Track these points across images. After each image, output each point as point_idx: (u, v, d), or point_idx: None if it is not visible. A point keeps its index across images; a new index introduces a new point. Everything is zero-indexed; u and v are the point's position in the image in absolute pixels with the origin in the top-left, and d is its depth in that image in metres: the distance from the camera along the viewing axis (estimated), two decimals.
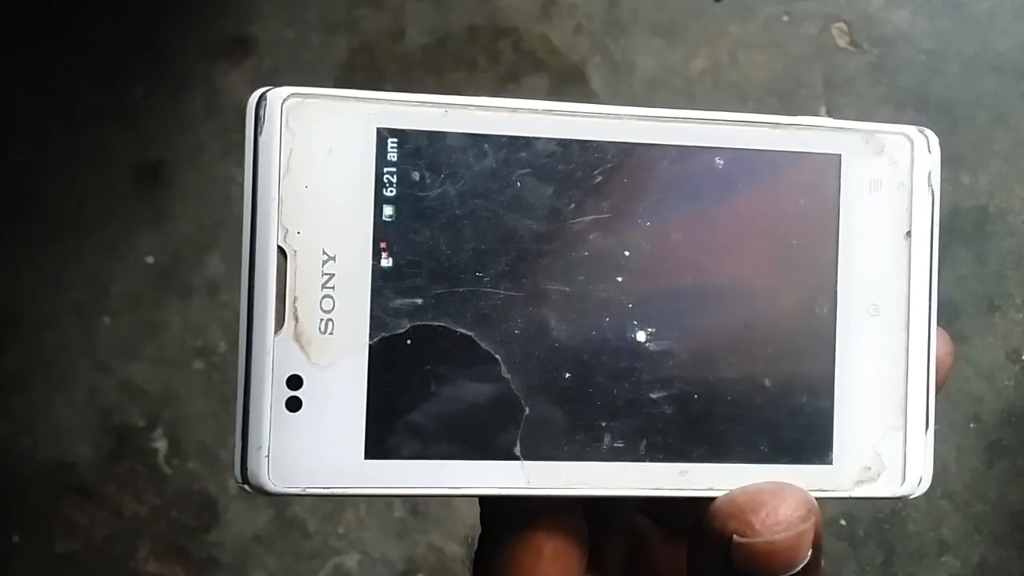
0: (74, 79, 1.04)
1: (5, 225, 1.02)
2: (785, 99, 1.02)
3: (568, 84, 1.04)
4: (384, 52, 1.05)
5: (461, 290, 0.30)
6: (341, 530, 0.99)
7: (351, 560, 0.99)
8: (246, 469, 0.30)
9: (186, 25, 1.05)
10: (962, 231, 0.99)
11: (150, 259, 1.01)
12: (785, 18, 1.04)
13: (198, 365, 1.00)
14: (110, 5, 1.05)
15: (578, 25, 1.05)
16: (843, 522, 0.98)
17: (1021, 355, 0.99)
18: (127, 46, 1.04)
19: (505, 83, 1.04)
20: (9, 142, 1.03)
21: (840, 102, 1.02)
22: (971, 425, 0.98)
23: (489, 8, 1.05)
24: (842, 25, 1.04)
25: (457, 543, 0.99)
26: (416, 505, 0.99)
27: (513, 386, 0.31)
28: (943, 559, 0.98)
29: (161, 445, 1.00)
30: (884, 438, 0.33)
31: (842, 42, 1.04)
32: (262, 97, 0.30)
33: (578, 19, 1.05)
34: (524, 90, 1.04)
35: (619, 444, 0.31)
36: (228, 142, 1.03)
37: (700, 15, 1.04)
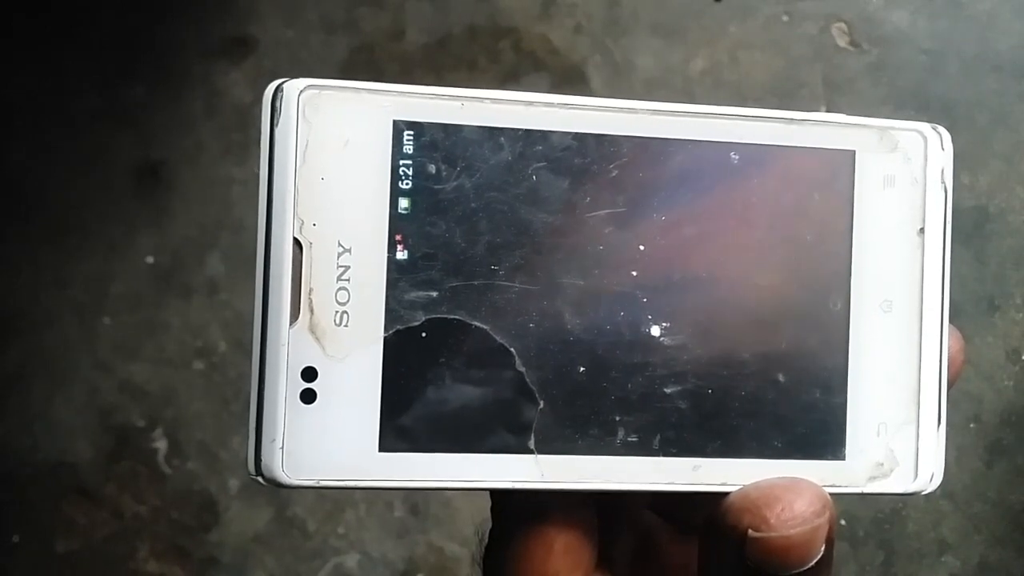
0: (74, 79, 1.04)
1: (5, 225, 1.02)
2: (785, 99, 1.03)
3: (568, 84, 1.04)
4: (384, 52, 1.05)
5: (476, 283, 0.30)
6: (341, 530, 0.99)
7: (351, 560, 0.99)
8: (260, 461, 0.29)
9: (186, 25, 1.05)
10: (962, 231, 0.99)
11: (150, 259, 1.01)
12: (785, 18, 1.04)
13: (198, 365, 1.00)
14: (111, 5, 1.05)
15: (578, 25, 1.05)
16: (843, 522, 0.98)
17: (1021, 355, 0.99)
18: (127, 46, 1.04)
19: (505, 83, 1.04)
20: (9, 142, 1.03)
21: (840, 102, 1.02)
22: (971, 425, 0.98)
23: (489, 8, 1.05)
24: (842, 25, 1.04)
25: (457, 543, 0.99)
26: (416, 505, 0.99)
27: (528, 379, 0.31)
28: (943, 559, 0.99)
29: (161, 445, 1.00)
30: (897, 434, 0.33)
31: (842, 42, 1.04)
32: (279, 88, 0.30)
33: (578, 19, 1.05)
34: (524, 90, 1.03)
35: (633, 438, 0.31)
36: (228, 142, 1.03)
37: (700, 15, 1.04)
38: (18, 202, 1.02)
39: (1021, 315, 1.00)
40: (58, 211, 1.02)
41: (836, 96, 1.03)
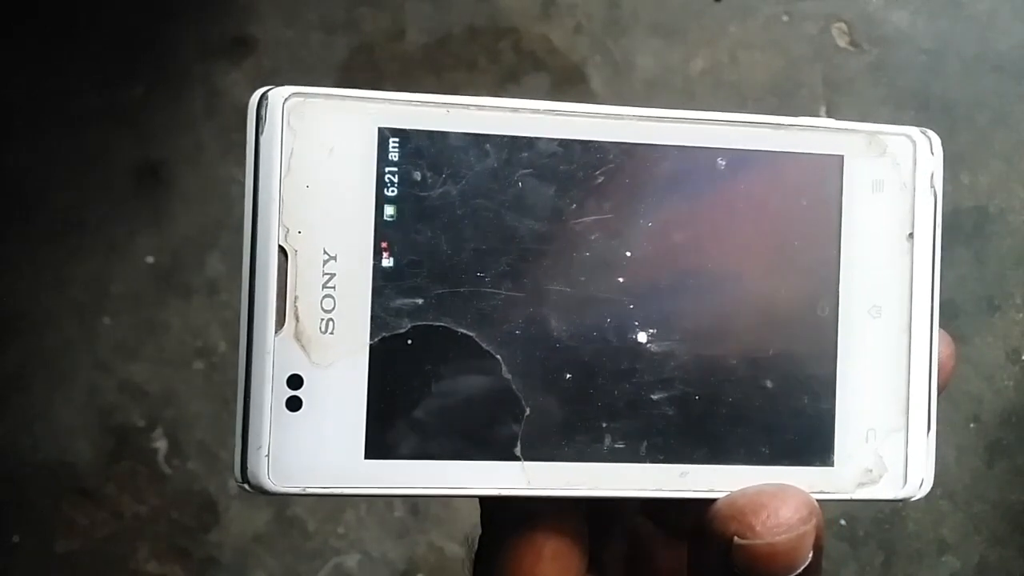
0: (74, 79, 1.04)
1: (5, 225, 1.02)
2: (785, 99, 1.02)
3: (568, 84, 1.04)
4: (384, 52, 1.05)
5: (462, 290, 0.30)
6: (341, 530, 0.99)
7: (351, 560, 0.99)
8: (246, 469, 0.29)
9: (186, 25, 1.05)
10: (962, 231, 0.99)
11: (150, 259, 1.01)
12: (785, 18, 1.04)
13: (198, 365, 1.00)
14: (110, 5, 1.05)
15: (578, 25, 1.05)
16: (843, 522, 0.98)
17: (1021, 355, 0.99)
18: (127, 46, 1.04)
19: (505, 83, 1.04)
20: (9, 142, 1.03)
21: (840, 102, 1.02)
22: (971, 425, 0.98)
23: (489, 8, 1.05)
24: (842, 25, 1.04)
25: (457, 543, 0.99)
26: (416, 505, 0.99)
27: (514, 386, 0.31)
28: (943, 559, 0.98)
29: (161, 445, 1.00)
30: (886, 440, 0.33)
31: (842, 42, 1.04)
32: (263, 96, 0.30)
33: (578, 19, 1.05)
34: (524, 90, 1.04)
35: (620, 445, 0.31)
36: (228, 142, 1.03)
37: (700, 15, 1.04)
38: (18, 202, 1.02)
39: (1021, 315, 0.99)
40: (58, 211, 1.02)
41: (836, 96, 1.03)
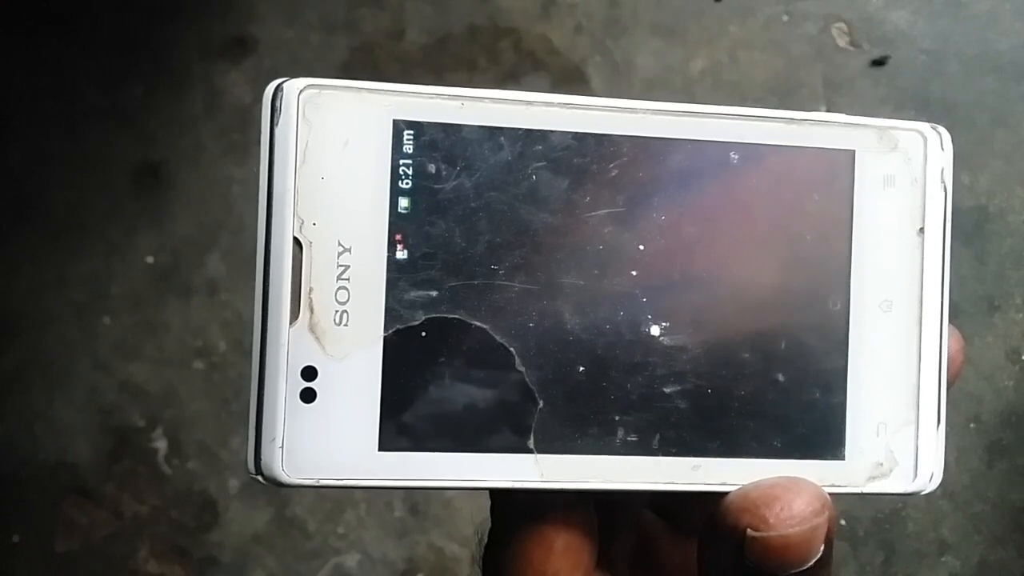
0: (74, 79, 1.04)
1: (5, 225, 1.02)
2: (785, 99, 1.03)
3: (568, 84, 1.04)
4: (384, 52, 1.05)
5: (476, 283, 0.30)
6: (341, 530, 0.99)
7: (351, 560, 0.99)
8: (260, 460, 0.29)
9: (186, 25, 1.05)
10: (962, 231, 0.99)
11: (150, 259, 1.01)
12: (785, 18, 1.04)
13: (198, 365, 1.00)
14: (110, 5, 1.05)
15: (578, 25, 1.05)
16: (843, 522, 0.98)
17: (1021, 355, 0.99)
18: (127, 46, 1.04)
19: (505, 83, 1.04)
20: (9, 142, 1.03)
21: (840, 102, 1.02)
22: (971, 425, 0.98)
23: (489, 8, 1.05)
24: (842, 25, 1.04)
25: (457, 543, 0.99)
26: (416, 505, 0.99)
27: (527, 379, 0.31)
28: (943, 559, 0.99)
29: (161, 445, 1.00)
30: (896, 434, 0.33)
31: (842, 42, 1.04)
32: (279, 88, 0.30)
33: (578, 19, 1.05)
34: (524, 90, 1.03)
35: (632, 438, 0.31)
36: (228, 142, 1.03)
37: (700, 15, 1.04)
38: (18, 202, 1.02)
39: (1021, 315, 1.00)
40: (58, 211, 1.02)
41: (836, 96, 1.03)
